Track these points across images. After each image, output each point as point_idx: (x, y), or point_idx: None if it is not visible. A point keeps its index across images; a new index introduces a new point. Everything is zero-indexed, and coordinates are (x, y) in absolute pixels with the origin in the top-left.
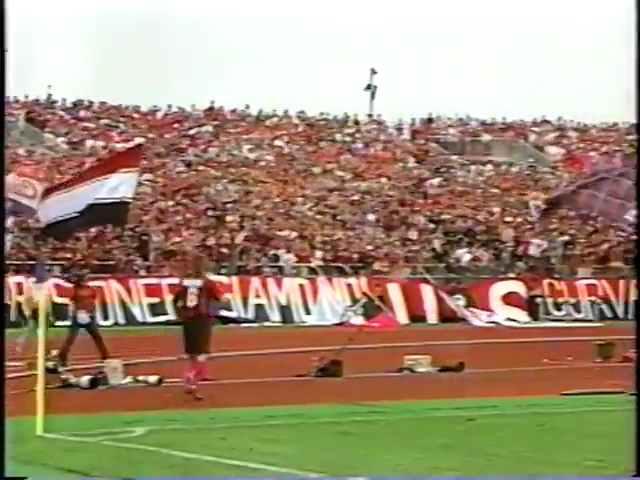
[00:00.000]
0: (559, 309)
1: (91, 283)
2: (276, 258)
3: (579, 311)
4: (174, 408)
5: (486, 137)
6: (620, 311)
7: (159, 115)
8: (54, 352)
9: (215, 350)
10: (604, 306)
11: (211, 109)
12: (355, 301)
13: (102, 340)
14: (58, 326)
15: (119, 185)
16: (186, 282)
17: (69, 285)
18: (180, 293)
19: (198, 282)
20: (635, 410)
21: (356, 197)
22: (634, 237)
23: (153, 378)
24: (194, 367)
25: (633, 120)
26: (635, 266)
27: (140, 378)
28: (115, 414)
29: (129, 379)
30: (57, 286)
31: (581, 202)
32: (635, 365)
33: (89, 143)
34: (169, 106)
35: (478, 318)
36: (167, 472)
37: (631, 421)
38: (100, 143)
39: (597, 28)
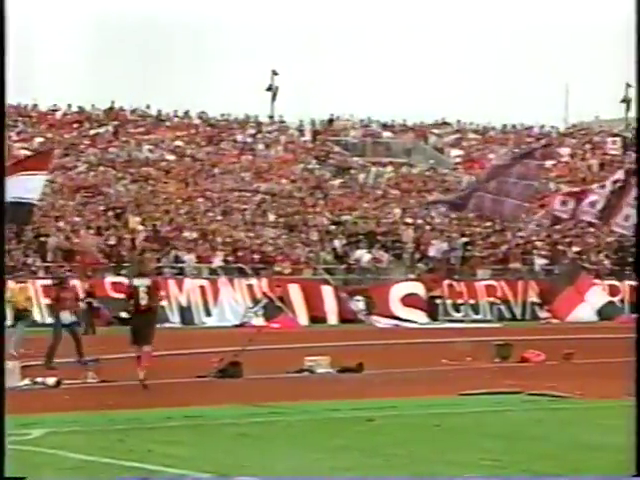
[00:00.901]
0: (458, 310)
1: None
2: (177, 259)
3: (478, 312)
4: (72, 410)
5: (387, 138)
6: (518, 312)
7: (58, 115)
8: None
9: (113, 351)
10: (502, 307)
11: (111, 109)
12: (256, 302)
13: (81, 341)
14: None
15: (27, 186)
16: (136, 282)
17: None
18: (132, 292)
19: (146, 281)
20: (635, 410)
21: (257, 198)
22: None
23: (51, 380)
24: (144, 358)
25: (530, 122)
26: (635, 267)
27: (38, 380)
28: (11, 416)
29: (27, 381)
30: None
31: (473, 205)
32: (635, 365)
33: None
34: (69, 105)
35: (378, 321)
36: (65, 474)
37: (631, 421)
38: None
39: (496, 30)
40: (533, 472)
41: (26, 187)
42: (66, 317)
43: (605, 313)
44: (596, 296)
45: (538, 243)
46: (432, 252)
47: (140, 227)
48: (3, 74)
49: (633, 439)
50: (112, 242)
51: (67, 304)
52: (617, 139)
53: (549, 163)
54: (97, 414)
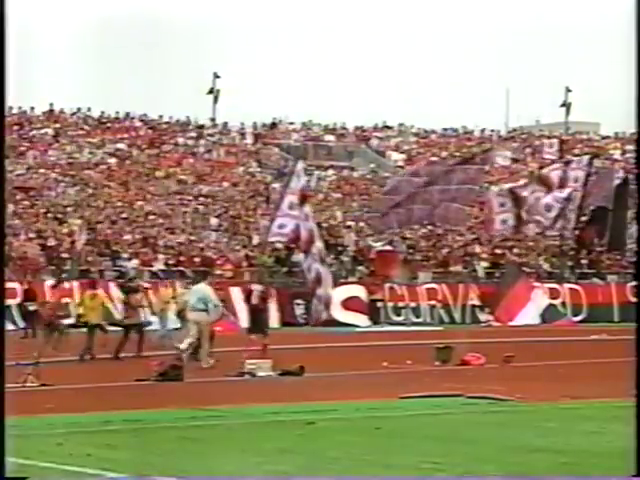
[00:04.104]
0: (399, 314)
1: None
2: (118, 262)
3: (418, 315)
4: (10, 414)
5: (328, 142)
6: (457, 315)
7: None
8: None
9: (53, 355)
10: (443, 310)
11: (51, 111)
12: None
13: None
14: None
15: None
16: (254, 286)
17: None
18: (249, 293)
19: (260, 287)
20: (635, 411)
21: (199, 201)
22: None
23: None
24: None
25: (471, 126)
26: (635, 269)
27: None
28: None
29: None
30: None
31: (415, 214)
32: (635, 365)
33: None
34: (9, 108)
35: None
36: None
37: (631, 421)
38: None
39: (437, 34)
40: (472, 474)
41: None
42: (136, 318)
43: (546, 316)
44: (537, 299)
45: (478, 247)
46: (374, 255)
47: (80, 230)
48: (3, 75)
49: (633, 439)
50: (52, 245)
51: (137, 306)
52: (554, 142)
53: (489, 167)
54: (36, 418)
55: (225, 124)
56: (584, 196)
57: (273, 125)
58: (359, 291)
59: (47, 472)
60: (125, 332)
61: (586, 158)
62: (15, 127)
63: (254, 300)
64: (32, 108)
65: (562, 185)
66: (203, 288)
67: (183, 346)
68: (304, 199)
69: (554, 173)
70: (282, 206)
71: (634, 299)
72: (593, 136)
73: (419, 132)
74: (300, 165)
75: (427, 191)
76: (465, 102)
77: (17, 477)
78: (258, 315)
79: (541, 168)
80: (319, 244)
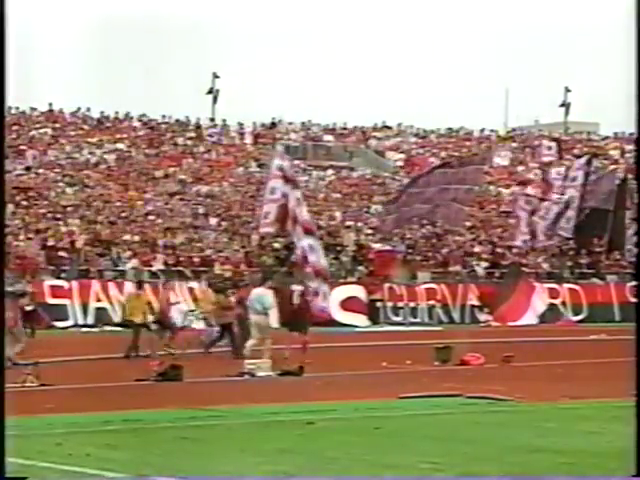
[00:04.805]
0: (398, 314)
1: None
2: (117, 262)
3: (417, 315)
4: (10, 414)
5: (327, 142)
6: (457, 315)
7: None
8: None
9: (53, 355)
10: (442, 310)
11: (51, 111)
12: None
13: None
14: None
15: None
16: (294, 287)
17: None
18: (291, 294)
19: (300, 287)
20: (634, 411)
21: (198, 201)
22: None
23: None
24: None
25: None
26: (635, 269)
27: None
28: None
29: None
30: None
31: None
32: (635, 365)
33: None
34: (8, 108)
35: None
36: None
37: (631, 421)
38: None
39: (436, 34)
40: (471, 474)
41: None
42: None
43: (546, 317)
44: (538, 300)
45: (478, 247)
46: (373, 255)
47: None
48: (3, 75)
49: (632, 439)
50: (51, 245)
51: (229, 307)
52: (553, 144)
53: (488, 167)
54: (36, 418)
55: (225, 124)
56: (583, 197)
57: (272, 125)
58: (358, 291)
59: (47, 472)
60: (221, 331)
61: (584, 159)
62: (14, 127)
63: (296, 300)
64: (32, 108)
65: (563, 187)
66: (263, 292)
67: (249, 345)
68: (285, 180)
69: (555, 177)
70: (265, 194)
71: (633, 299)
72: (592, 136)
73: (418, 132)
74: (279, 148)
75: (427, 191)
76: (464, 102)
77: (17, 477)
78: (300, 314)
79: (540, 169)
80: (304, 216)
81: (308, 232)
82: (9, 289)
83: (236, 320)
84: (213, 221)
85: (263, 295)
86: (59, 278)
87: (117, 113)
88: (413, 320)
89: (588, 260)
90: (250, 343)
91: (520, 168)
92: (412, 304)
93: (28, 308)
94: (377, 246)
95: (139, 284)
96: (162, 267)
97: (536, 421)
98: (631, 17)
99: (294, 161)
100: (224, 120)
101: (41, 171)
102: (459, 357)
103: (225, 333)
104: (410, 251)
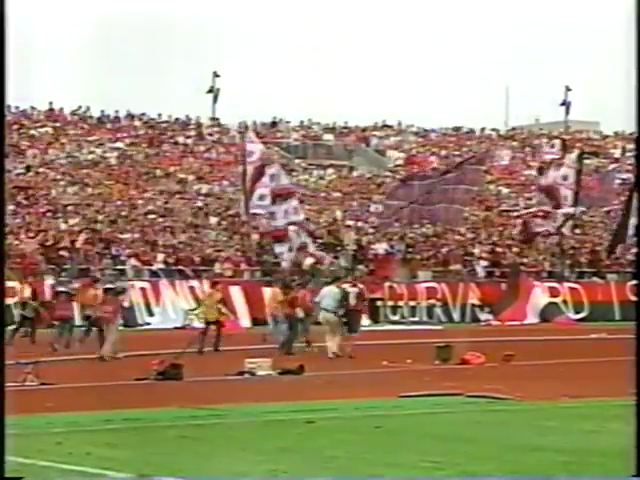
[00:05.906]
0: (398, 313)
1: None
2: (118, 261)
3: (416, 314)
4: (10, 413)
5: (328, 141)
6: (457, 314)
7: None
8: None
9: (52, 354)
10: (442, 309)
11: (51, 110)
12: (198, 304)
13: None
14: None
15: None
16: (348, 289)
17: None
18: (347, 295)
19: (356, 289)
20: (635, 410)
21: (198, 200)
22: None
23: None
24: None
25: (471, 125)
26: (635, 268)
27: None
28: None
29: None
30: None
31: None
32: (635, 364)
33: None
34: (8, 107)
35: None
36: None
37: (631, 420)
38: None
39: (436, 33)
40: (471, 473)
41: None
42: (299, 314)
43: (546, 315)
44: (538, 298)
45: (478, 246)
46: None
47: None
48: (3, 74)
49: (633, 438)
50: (51, 244)
51: (299, 303)
52: (555, 142)
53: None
54: (34, 417)
55: (224, 123)
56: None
57: (273, 124)
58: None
59: (46, 471)
60: (291, 328)
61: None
62: (15, 126)
63: (352, 301)
64: (32, 107)
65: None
66: (334, 290)
67: (330, 346)
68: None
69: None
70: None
71: (634, 298)
72: (593, 135)
73: (419, 131)
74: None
75: (428, 191)
76: (465, 101)
77: (17, 477)
78: (355, 315)
79: (541, 168)
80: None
81: (289, 195)
82: (109, 286)
83: (286, 318)
84: (213, 220)
85: (335, 293)
86: (60, 277)
87: (117, 112)
88: (413, 319)
89: (588, 259)
90: (330, 344)
91: (520, 167)
92: (412, 303)
93: (125, 304)
94: (377, 247)
95: (213, 283)
96: (162, 266)
97: (537, 420)
98: (631, 16)
99: (294, 160)
100: (224, 119)
101: (41, 170)
102: (459, 356)
103: (293, 328)
104: (410, 250)
